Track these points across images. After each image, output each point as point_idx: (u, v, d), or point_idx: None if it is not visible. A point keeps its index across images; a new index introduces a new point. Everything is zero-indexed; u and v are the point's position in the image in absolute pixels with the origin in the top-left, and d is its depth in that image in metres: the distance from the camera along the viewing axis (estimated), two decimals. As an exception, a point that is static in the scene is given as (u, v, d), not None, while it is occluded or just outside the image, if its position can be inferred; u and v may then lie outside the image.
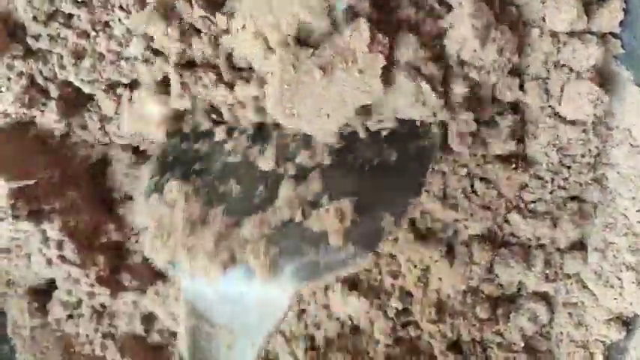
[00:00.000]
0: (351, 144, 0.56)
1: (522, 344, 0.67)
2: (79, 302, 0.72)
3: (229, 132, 0.59)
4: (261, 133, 0.58)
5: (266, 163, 0.57)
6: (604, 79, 0.60)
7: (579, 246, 0.65)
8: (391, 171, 0.55)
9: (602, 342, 0.65)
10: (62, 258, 0.67)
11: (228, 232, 0.53)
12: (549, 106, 0.60)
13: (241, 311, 0.54)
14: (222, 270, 0.52)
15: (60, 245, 0.67)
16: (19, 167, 0.64)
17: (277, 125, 0.57)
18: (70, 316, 0.72)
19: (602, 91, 0.58)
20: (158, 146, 0.63)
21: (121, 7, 0.60)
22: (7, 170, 0.62)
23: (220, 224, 0.54)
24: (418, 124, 0.56)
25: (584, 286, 0.65)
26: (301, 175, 0.55)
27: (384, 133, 0.56)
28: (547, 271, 0.65)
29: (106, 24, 0.61)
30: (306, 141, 0.56)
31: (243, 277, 0.52)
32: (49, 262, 0.68)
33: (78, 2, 0.60)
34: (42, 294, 0.72)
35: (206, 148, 0.59)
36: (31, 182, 0.65)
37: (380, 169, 0.55)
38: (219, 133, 0.59)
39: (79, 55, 0.62)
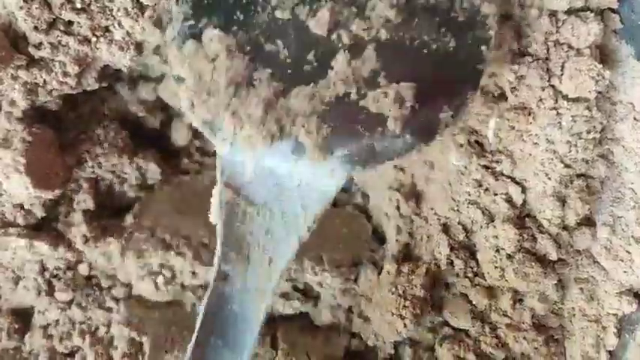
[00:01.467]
0: (410, 20, 0.51)
1: (531, 323, 0.67)
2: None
3: None
4: None
5: (319, 26, 0.51)
6: (604, 54, 0.61)
7: (588, 222, 0.66)
8: (450, 59, 0.51)
9: (614, 315, 0.65)
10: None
11: (277, 101, 0.48)
12: (551, 85, 0.60)
13: (284, 193, 0.50)
14: (269, 142, 0.47)
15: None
16: (46, 176, 0.64)
17: None
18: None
19: (602, 67, 0.58)
20: None
21: (120, 11, 0.60)
22: (37, 177, 0.62)
23: (268, 90, 0.48)
24: (477, 13, 0.52)
25: (595, 261, 0.66)
26: (356, 48, 0.50)
27: (444, 16, 0.52)
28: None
29: (106, 29, 0.61)
30: (362, 9, 0.51)
31: (290, 153, 0.48)
32: (39, 293, 0.69)
33: (77, 9, 0.59)
34: (24, 317, 0.72)
35: None
36: (57, 193, 0.65)
37: (438, 56, 0.51)
38: None
39: (81, 62, 0.62)
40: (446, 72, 0.51)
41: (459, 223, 0.69)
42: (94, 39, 0.61)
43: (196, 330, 0.50)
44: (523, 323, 0.67)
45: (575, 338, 0.67)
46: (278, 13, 0.51)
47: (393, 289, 0.67)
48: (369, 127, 0.48)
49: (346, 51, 0.50)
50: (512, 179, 0.65)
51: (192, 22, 0.52)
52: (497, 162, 0.66)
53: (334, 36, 0.50)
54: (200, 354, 0.49)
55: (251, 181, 0.49)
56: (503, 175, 0.66)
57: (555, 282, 0.66)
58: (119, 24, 0.60)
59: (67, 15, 0.59)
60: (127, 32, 0.60)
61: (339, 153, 0.47)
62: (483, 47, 0.52)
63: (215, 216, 0.51)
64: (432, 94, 0.49)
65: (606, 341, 0.65)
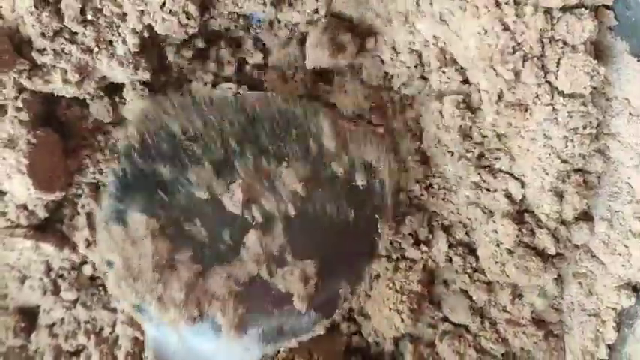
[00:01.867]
0: (315, 193, 0.58)
1: (530, 318, 0.68)
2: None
3: (193, 157, 0.59)
4: (226, 161, 0.58)
5: (233, 203, 0.57)
6: (599, 51, 0.62)
7: (585, 217, 0.66)
8: (349, 231, 0.58)
9: (613, 309, 0.66)
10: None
11: (196, 282, 0.54)
12: (547, 82, 0.61)
13: None
14: (191, 323, 0.53)
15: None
16: (48, 179, 0.65)
17: (242, 155, 0.58)
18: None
19: (597, 63, 0.59)
20: (115, 167, 0.61)
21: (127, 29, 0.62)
22: (39, 179, 0.63)
23: (188, 272, 0.54)
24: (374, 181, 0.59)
25: (593, 256, 0.67)
26: (267, 224, 0.56)
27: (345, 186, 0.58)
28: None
29: (110, 43, 0.62)
30: (272, 184, 0.57)
31: (210, 331, 0.54)
32: (45, 292, 0.70)
33: (85, 22, 0.61)
34: (30, 316, 0.72)
35: (169, 173, 0.58)
36: (58, 196, 0.66)
37: (339, 229, 0.58)
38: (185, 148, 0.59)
39: (82, 71, 0.63)
40: (346, 245, 0.58)
41: (459, 223, 0.69)
42: (96, 49, 0.62)
43: None
44: (522, 318, 0.68)
45: (575, 333, 0.68)
46: (196, 192, 0.57)
47: (391, 285, 0.67)
48: (278, 306, 0.54)
49: (257, 228, 0.55)
50: (511, 175, 0.66)
51: (117, 203, 0.57)
52: (496, 159, 0.66)
53: (247, 212, 0.56)
54: None
55: (176, 355, 0.55)
56: (501, 171, 0.67)
57: (555, 276, 0.66)
58: (123, 41, 0.62)
59: (74, 26, 0.61)
60: (129, 50, 0.62)
61: (253, 332, 0.54)
62: (379, 217, 0.59)
63: None
64: (333, 270, 0.56)
65: (605, 335, 0.66)
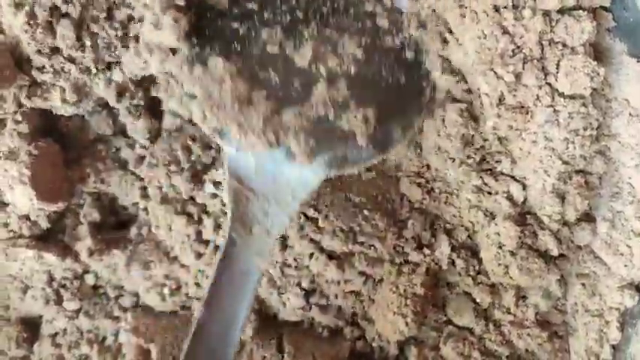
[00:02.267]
0: (371, 58, 0.66)
1: (534, 320, 0.68)
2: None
3: (263, 21, 0.66)
4: (293, 27, 0.66)
5: (302, 59, 0.64)
6: (599, 52, 0.62)
7: (587, 218, 0.67)
8: (401, 91, 0.66)
9: (616, 309, 0.66)
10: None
11: (272, 116, 0.61)
12: (547, 84, 0.61)
13: (277, 184, 0.63)
14: (268, 148, 0.60)
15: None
16: (50, 189, 0.66)
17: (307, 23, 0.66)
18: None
19: (597, 64, 0.59)
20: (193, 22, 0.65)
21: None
22: (41, 190, 0.65)
23: (265, 107, 0.61)
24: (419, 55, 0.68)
25: (596, 257, 0.67)
26: (332, 78, 0.64)
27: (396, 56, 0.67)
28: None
29: (108, 65, 0.65)
30: (335, 47, 0.66)
31: (284, 157, 0.62)
32: (47, 302, 0.70)
33: (82, 46, 0.64)
34: (33, 326, 0.72)
35: (244, 30, 0.65)
36: (60, 206, 0.67)
37: (393, 88, 0.66)
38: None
39: (80, 90, 0.65)
40: (397, 101, 0.66)
41: (461, 226, 0.70)
42: (94, 70, 0.65)
43: (208, 286, 0.61)
44: (526, 320, 0.68)
45: (579, 334, 0.68)
46: (269, 48, 0.65)
47: (394, 289, 0.68)
48: (343, 141, 0.63)
49: (324, 81, 0.64)
50: (513, 177, 0.66)
51: (198, 49, 0.63)
52: (497, 162, 0.67)
53: (314, 68, 0.64)
54: (212, 302, 0.61)
55: (252, 175, 0.63)
56: (503, 174, 0.67)
57: (558, 277, 0.66)
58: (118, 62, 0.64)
59: (74, 53, 0.64)
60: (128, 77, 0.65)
61: (321, 159, 0.62)
62: (424, 83, 0.67)
63: (225, 197, 0.65)
64: (388, 117, 0.65)
65: (609, 335, 0.66)
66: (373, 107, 0.63)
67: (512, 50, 0.60)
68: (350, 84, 0.64)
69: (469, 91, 0.66)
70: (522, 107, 0.62)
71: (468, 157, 0.67)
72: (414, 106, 0.67)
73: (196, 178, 0.69)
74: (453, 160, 0.68)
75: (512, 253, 0.65)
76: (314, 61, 0.64)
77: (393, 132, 0.65)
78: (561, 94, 0.61)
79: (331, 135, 0.62)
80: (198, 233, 0.69)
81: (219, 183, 0.69)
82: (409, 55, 0.68)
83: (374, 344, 0.72)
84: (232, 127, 0.60)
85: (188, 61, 0.62)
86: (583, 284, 0.67)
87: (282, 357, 0.70)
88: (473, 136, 0.66)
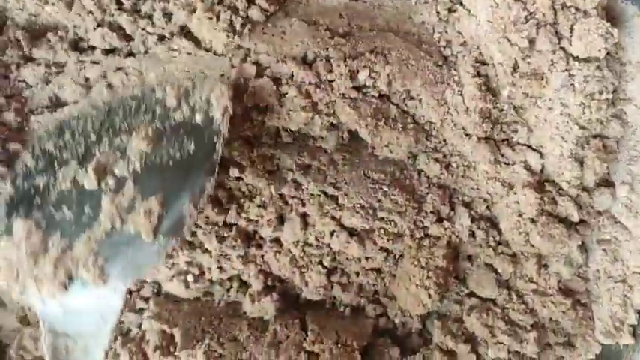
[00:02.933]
0: (159, 144, 0.65)
1: (557, 288, 0.68)
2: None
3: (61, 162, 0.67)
4: (88, 153, 0.67)
5: (89, 181, 0.64)
6: (611, 17, 0.63)
7: (606, 183, 0.67)
8: (190, 160, 0.65)
9: (639, 274, 0.66)
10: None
11: (64, 255, 0.60)
12: (561, 48, 0.62)
13: (85, 318, 0.62)
14: (64, 287, 0.59)
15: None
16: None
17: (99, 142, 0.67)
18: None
19: (610, 25, 0.60)
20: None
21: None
22: None
23: (57, 249, 0.60)
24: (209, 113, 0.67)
25: (616, 222, 0.67)
26: (119, 186, 0.63)
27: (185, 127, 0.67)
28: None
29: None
30: (123, 151, 0.65)
31: (80, 289, 0.60)
32: None
33: None
34: None
35: (43, 181, 0.66)
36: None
37: (181, 161, 0.64)
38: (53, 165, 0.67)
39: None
40: (188, 173, 0.64)
41: (479, 198, 0.70)
42: None
43: None
44: (549, 288, 0.68)
45: (602, 300, 0.68)
46: (63, 186, 0.65)
47: (416, 262, 0.68)
48: (131, 245, 0.61)
49: (110, 192, 0.63)
50: (529, 147, 0.67)
51: (6, 221, 0.64)
52: (513, 132, 0.67)
53: (103, 185, 0.63)
54: None
55: (63, 320, 0.62)
56: (519, 144, 0.68)
57: (579, 244, 0.67)
58: None
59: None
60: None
61: (114, 273, 0.60)
62: (216, 140, 0.66)
63: (45, 355, 0.63)
64: (176, 195, 0.63)
65: (634, 300, 0.66)
66: (158, 195, 0.62)
67: (525, 17, 0.61)
68: (136, 181, 0.63)
69: (483, 62, 0.67)
70: (537, 74, 0.63)
71: (485, 131, 0.68)
72: (206, 170, 0.65)
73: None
74: (470, 136, 0.68)
75: (533, 221, 0.65)
76: (101, 176, 0.64)
77: (182, 210, 0.63)
78: (576, 58, 0.62)
79: (119, 244, 0.61)
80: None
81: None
82: (199, 118, 0.67)
83: (396, 320, 0.72)
84: (30, 284, 0.60)
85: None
86: (604, 250, 0.67)
87: (306, 336, 0.70)
88: (490, 110, 0.67)
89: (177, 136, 0.66)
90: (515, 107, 0.66)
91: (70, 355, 0.63)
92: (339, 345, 0.69)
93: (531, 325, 0.68)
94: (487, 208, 0.70)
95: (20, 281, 0.61)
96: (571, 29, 0.61)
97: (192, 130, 0.67)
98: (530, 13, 0.61)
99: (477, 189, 0.70)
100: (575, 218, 0.66)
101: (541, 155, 0.66)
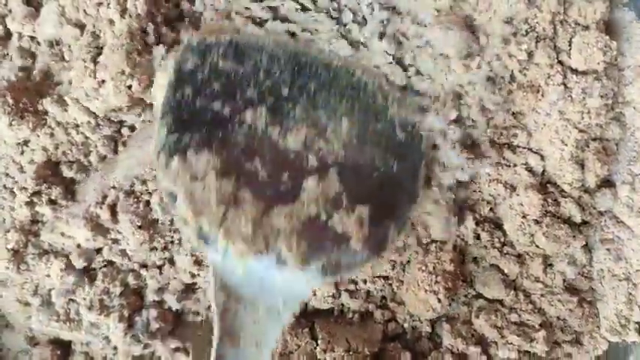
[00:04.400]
0: (362, 144, 0.61)
1: (563, 287, 0.69)
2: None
3: (246, 99, 0.61)
4: (279, 107, 0.61)
5: (293, 145, 0.59)
6: (609, 23, 0.64)
7: (608, 184, 0.69)
8: (394, 182, 0.61)
9: (643, 272, 0.67)
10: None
11: (264, 220, 0.56)
12: (559, 62, 0.63)
13: (267, 292, 0.58)
14: (257, 255, 0.55)
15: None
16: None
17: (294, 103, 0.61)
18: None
19: (609, 38, 0.62)
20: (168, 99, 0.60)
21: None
22: None
23: (253, 209, 0.56)
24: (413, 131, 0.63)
25: (619, 221, 0.68)
26: (322, 170, 0.59)
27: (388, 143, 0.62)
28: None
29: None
30: (324, 131, 0.61)
31: (274, 263, 0.56)
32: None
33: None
34: (64, 346, 0.73)
35: (226, 110, 0.60)
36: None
37: (386, 179, 0.61)
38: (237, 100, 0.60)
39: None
40: (392, 193, 0.61)
41: (482, 200, 0.71)
42: None
43: None
44: (555, 287, 0.69)
45: (607, 299, 0.69)
46: (253, 133, 0.59)
47: (423, 267, 0.68)
48: (337, 244, 0.57)
49: (315, 173, 0.58)
50: (530, 149, 0.68)
51: (176, 135, 0.57)
52: (513, 136, 0.69)
53: (303, 158, 0.59)
54: None
55: (240, 283, 0.58)
56: (520, 147, 0.69)
57: (583, 243, 0.68)
58: None
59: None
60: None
61: (314, 266, 0.56)
62: (420, 164, 0.63)
63: (213, 310, 0.59)
64: (381, 215, 0.59)
65: (638, 298, 0.67)
66: (367, 205, 0.58)
67: (526, 30, 0.62)
68: (342, 176, 0.59)
69: None
70: (533, 86, 0.65)
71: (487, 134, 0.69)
72: (407, 197, 0.62)
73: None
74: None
75: (537, 222, 0.67)
76: (304, 148, 0.59)
77: (388, 231, 0.59)
78: (574, 71, 0.63)
79: (324, 237, 0.57)
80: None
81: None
82: (400, 135, 0.63)
83: (406, 325, 0.73)
84: (218, 233, 0.55)
85: (163, 150, 0.57)
86: (608, 249, 0.69)
87: (317, 345, 0.71)
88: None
89: (382, 146, 0.61)
90: (513, 113, 0.67)
91: (237, 320, 0.58)
92: (351, 352, 0.69)
93: (540, 325, 0.69)
94: (490, 210, 0.71)
95: (204, 224, 0.55)
96: (570, 43, 0.63)
97: (396, 147, 0.62)
98: (531, 27, 0.63)
99: (479, 191, 0.71)
100: (578, 219, 0.67)
101: (542, 157, 0.67)
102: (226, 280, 0.58)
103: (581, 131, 0.65)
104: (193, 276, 0.69)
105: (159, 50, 0.65)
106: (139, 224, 0.66)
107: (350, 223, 0.57)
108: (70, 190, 0.68)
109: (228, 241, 0.55)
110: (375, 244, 0.58)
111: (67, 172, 0.67)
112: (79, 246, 0.67)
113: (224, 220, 0.55)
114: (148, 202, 0.67)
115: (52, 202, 0.67)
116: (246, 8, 0.68)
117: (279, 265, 0.56)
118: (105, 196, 0.66)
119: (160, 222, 0.67)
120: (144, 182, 0.67)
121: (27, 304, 0.68)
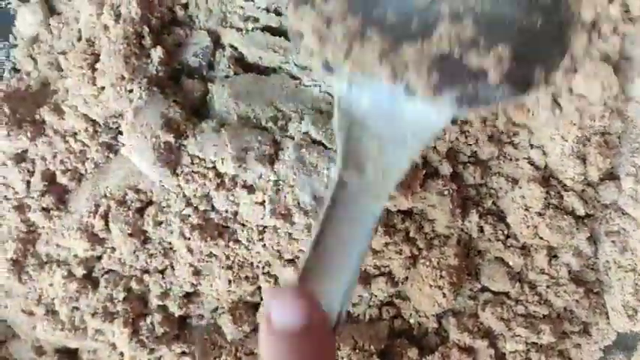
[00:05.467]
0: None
1: (568, 278, 0.69)
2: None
3: None
4: None
5: None
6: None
7: (611, 176, 0.69)
8: (537, 35, 0.55)
9: (650, 259, 0.67)
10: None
11: (390, 51, 0.53)
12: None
13: (395, 124, 0.54)
14: (385, 80, 0.52)
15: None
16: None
17: None
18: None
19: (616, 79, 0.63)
20: None
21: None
22: None
23: (380, 42, 0.53)
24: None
25: (623, 213, 0.68)
26: (456, 17, 0.54)
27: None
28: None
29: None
30: None
31: (402, 93, 0.53)
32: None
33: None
34: (71, 354, 0.73)
35: None
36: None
37: (528, 31, 0.55)
38: None
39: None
40: (534, 43, 0.55)
41: (485, 192, 0.71)
42: None
43: (314, 233, 0.52)
44: (561, 278, 0.69)
45: (614, 290, 0.69)
46: None
47: (428, 263, 0.68)
48: (472, 78, 0.52)
49: (448, 18, 0.54)
50: (532, 146, 0.68)
51: None
52: (514, 134, 0.69)
53: (434, 7, 0.55)
54: (318, 252, 0.52)
55: (366, 112, 0.55)
56: (521, 145, 0.69)
57: (588, 235, 0.68)
58: None
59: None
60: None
61: (447, 95, 0.52)
62: (562, 30, 0.56)
63: (335, 135, 0.56)
64: (525, 55, 0.54)
65: (646, 289, 0.67)
66: (508, 46, 0.53)
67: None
68: (478, 23, 0.54)
69: None
70: (522, 105, 0.65)
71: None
72: (555, 49, 0.56)
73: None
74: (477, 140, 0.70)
75: (540, 214, 0.66)
76: None
77: (533, 71, 0.54)
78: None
79: (457, 70, 0.53)
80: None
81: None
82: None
83: (411, 321, 0.72)
84: (344, 61, 0.53)
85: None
86: (613, 241, 0.68)
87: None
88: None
89: (522, 4, 0.55)
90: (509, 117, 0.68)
91: (362, 146, 0.54)
92: (357, 350, 0.69)
93: (546, 316, 0.69)
94: (493, 202, 0.71)
95: (329, 53, 0.53)
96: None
97: (539, 6, 0.56)
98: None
99: (484, 185, 0.71)
100: (582, 212, 0.67)
101: (544, 152, 0.67)
102: (351, 108, 0.55)
103: (581, 128, 0.65)
104: (193, 285, 0.69)
105: (156, 53, 0.65)
106: (129, 232, 0.65)
107: (487, 59, 0.52)
108: (62, 199, 0.67)
109: (353, 67, 0.53)
110: (518, 80, 0.53)
111: (61, 179, 0.67)
112: (76, 256, 0.67)
113: (350, 50, 0.53)
114: (139, 210, 0.66)
115: (44, 210, 0.66)
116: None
117: (408, 95, 0.52)
118: (97, 205, 0.66)
119: (151, 232, 0.66)
120: (137, 191, 0.66)
121: (31, 313, 0.68)
